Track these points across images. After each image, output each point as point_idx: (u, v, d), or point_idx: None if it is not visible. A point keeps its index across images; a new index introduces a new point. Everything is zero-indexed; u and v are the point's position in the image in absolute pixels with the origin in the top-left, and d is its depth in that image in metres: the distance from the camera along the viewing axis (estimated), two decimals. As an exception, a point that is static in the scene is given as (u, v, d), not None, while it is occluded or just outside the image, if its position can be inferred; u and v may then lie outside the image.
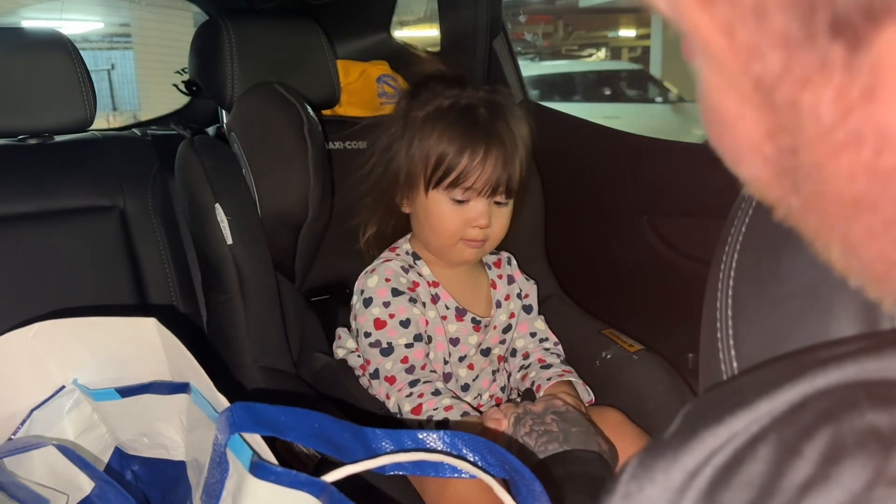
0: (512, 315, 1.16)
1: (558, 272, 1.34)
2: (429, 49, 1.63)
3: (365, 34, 1.68)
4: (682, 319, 1.00)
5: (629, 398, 1.08)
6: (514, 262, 1.21)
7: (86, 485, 0.64)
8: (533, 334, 1.17)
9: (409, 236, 1.13)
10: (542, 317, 1.19)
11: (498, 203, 1.04)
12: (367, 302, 1.04)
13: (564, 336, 1.19)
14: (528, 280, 1.20)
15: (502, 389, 1.15)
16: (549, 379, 1.08)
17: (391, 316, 1.03)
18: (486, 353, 1.13)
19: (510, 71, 1.49)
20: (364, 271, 1.09)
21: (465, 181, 1.00)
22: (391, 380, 1.00)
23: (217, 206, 1.09)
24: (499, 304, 1.15)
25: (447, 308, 1.09)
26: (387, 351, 1.02)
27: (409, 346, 1.02)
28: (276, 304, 1.12)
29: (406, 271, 1.07)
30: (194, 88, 1.55)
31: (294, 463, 0.85)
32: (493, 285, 1.16)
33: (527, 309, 1.18)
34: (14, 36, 1.24)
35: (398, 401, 0.98)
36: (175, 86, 1.66)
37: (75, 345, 0.69)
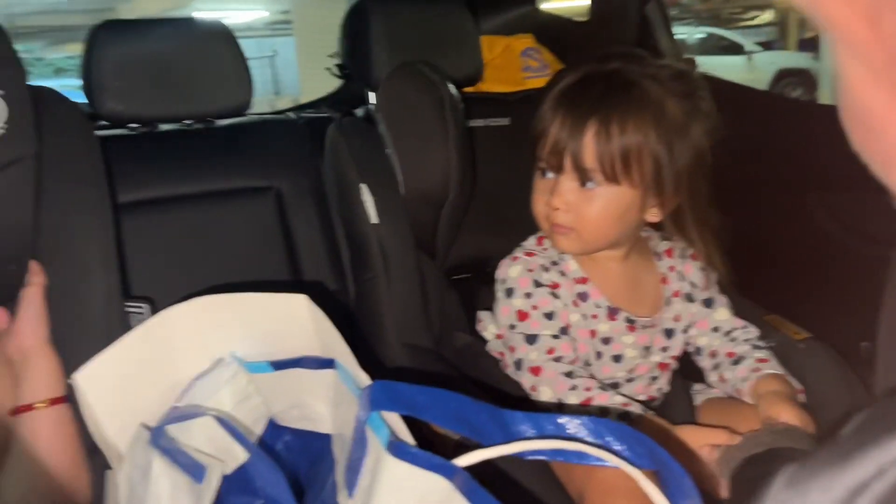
0: (678, 318, 1.05)
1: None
2: (577, 18, 1.58)
3: (510, 7, 1.66)
4: (855, 305, 0.91)
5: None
6: (686, 251, 1.06)
7: (241, 453, 0.68)
8: (715, 329, 1.06)
9: None
10: (726, 304, 1.07)
11: (584, 185, 0.91)
12: (509, 292, 1.00)
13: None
14: (703, 269, 1.05)
15: (658, 392, 1.07)
16: (744, 379, 0.98)
17: (534, 308, 0.97)
18: (646, 355, 1.03)
19: (664, 39, 1.40)
20: (506, 259, 1.03)
21: (539, 145, 0.93)
22: (536, 370, 0.94)
23: (362, 186, 1.12)
24: (668, 302, 1.04)
25: (597, 307, 1.00)
26: (532, 338, 0.96)
27: (555, 337, 0.96)
28: (417, 282, 1.14)
29: (547, 269, 1.00)
30: (346, 71, 1.60)
31: (437, 444, 0.86)
32: (664, 280, 1.05)
33: (707, 303, 1.06)
34: (180, 27, 1.33)
35: (559, 395, 0.92)
36: (328, 69, 1.72)
37: (233, 319, 0.73)
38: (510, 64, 1.51)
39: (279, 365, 0.71)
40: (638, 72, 0.92)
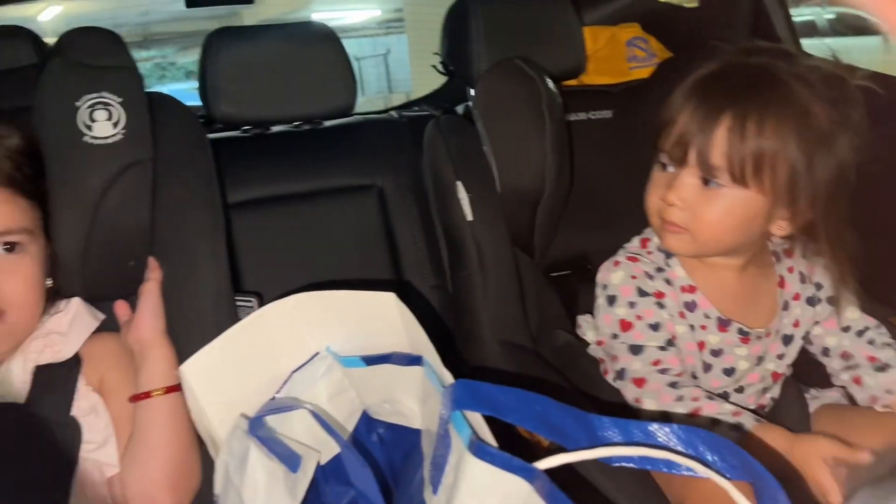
0: (797, 324, 0.97)
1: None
2: (686, 4, 1.51)
3: (616, -3, 1.61)
4: None
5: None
6: (811, 247, 0.95)
7: (336, 445, 0.70)
8: (846, 328, 0.99)
9: None
10: (855, 302, 0.98)
11: (707, 183, 0.84)
12: (611, 300, 0.94)
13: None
14: (828, 267, 0.96)
15: (769, 400, 1.00)
16: (890, 391, 0.92)
17: (638, 318, 0.92)
18: (758, 365, 0.96)
19: (780, 23, 1.32)
20: (607, 262, 0.98)
21: (663, 135, 0.87)
22: (640, 381, 0.89)
23: (458, 183, 1.13)
24: (785, 307, 0.96)
25: (706, 317, 0.93)
26: (637, 349, 0.91)
27: (661, 349, 0.91)
28: (514, 280, 1.13)
29: (651, 276, 0.94)
30: (450, 68, 1.62)
31: (521, 444, 0.85)
32: (782, 283, 0.97)
33: (833, 301, 0.98)
34: (289, 32, 1.39)
35: (664, 406, 0.87)
36: (434, 66, 1.74)
37: (327, 315, 0.75)
38: (615, 55, 1.48)
39: (370, 360, 0.73)
40: (785, 70, 0.84)
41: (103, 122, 0.86)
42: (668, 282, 0.94)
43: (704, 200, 0.85)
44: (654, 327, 0.91)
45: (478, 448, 0.54)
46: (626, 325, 0.93)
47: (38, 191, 0.84)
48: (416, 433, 0.76)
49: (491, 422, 0.58)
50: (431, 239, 1.38)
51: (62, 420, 0.79)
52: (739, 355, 0.94)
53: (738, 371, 0.95)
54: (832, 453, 0.81)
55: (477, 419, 0.58)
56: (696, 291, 0.94)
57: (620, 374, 0.92)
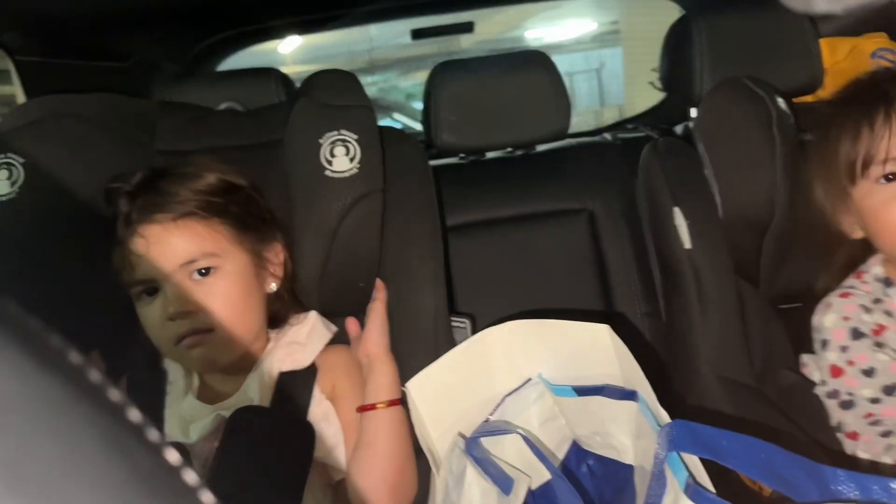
0: None
1: None
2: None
3: (860, 3, 1.47)
4: None
5: None
6: None
7: (546, 472, 0.71)
8: None
9: (880, 255, 0.93)
10: None
11: None
12: (824, 345, 0.91)
13: None
14: None
15: None
16: None
17: (850, 363, 0.87)
18: None
19: None
20: (821, 303, 0.95)
21: (878, 150, 0.83)
22: (853, 435, 0.84)
23: (676, 209, 1.09)
24: None
25: None
26: (847, 404, 0.86)
27: (875, 400, 0.83)
28: (736, 312, 1.07)
29: (869, 310, 0.88)
30: (669, 85, 1.57)
31: (740, 490, 0.80)
32: None
33: None
34: (505, 61, 1.44)
35: (874, 457, 0.81)
36: (652, 83, 1.70)
37: (539, 343, 0.77)
38: (858, 67, 1.34)
39: (582, 391, 0.73)
40: None
41: (342, 157, 0.94)
42: (889, 313, 0.88)
43: None
44: (868, 373, 0.85)
45: (695, 492, 0.52)
46: (836, 371, 0.88)
47: (229, 211, 0.89)
48: (627, 468, 0.74)
49: (706, 463, 0.56)
50: (644, 265, 1.34)
51: (299, 423, 0.86)
52: None
53: None
54: None
55: (694, 461, 0.56)
56: None
57: (837, 428, 0.87)
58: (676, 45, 1.31)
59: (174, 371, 0.91)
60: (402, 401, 0.91)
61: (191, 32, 1.54)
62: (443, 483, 0.69)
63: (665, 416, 0.61)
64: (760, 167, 1.06)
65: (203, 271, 0.85)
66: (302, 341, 0.93)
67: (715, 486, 0.55)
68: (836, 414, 0.87)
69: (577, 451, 0.79)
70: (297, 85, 1.10)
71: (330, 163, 0.93)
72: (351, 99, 0.98)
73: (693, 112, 1.25)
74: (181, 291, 0.84)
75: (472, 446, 0.71)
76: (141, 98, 1.19)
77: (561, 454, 0.79)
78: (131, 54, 1.33)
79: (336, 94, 0.99)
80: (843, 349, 0.88)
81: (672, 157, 1.16)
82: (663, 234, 1.12)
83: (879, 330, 0.87)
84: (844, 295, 0.91)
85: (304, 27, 1.79)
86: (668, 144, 1.20)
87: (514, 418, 0.76)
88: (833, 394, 0.89)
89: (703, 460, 0.55)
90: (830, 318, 0.91)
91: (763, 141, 1.06)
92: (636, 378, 0.67)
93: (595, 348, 0.71)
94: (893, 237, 0.85)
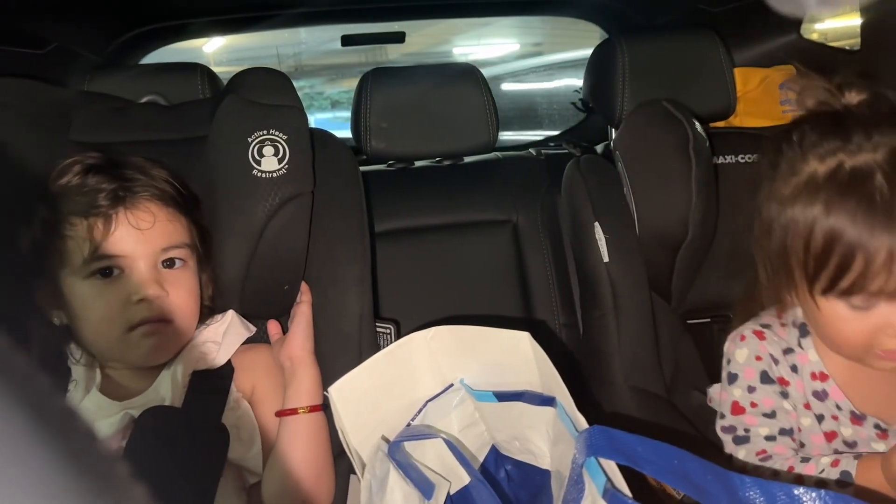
0: None
1: None
2: (846, 47, 1.44)
3: (770, 37, 1.56)
4: None
5: None
6: None
7: (465, 476, 0.72)
8: None
9: None
10: None
11: None
12: (731, 378, 0.88)
13: None
14: None
15: None
16: None
17: (753, 405, 0.85)
18: None
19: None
20: (735, 333, 0.90)
21: (867, 285, 0.71)
22: (742, 469, 0.83)
23: (596, 224, 1.12)
24: None
25: (838, 409, 0.84)
26: (742, 440, 0.85)
27: (770, 438, 0.84)
28: (649, 324, 1.11)
29: (777, 361, 0.85)
30: (590, 106, 1.62)
31: (650, 495, 0.83)
32: None
33: None
34: (436, 71, 1.45)
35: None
36: (573, 104, 1.76)
37: (462, 348, 0.77)
38: (767, 97, 1.42)
39: (503, 396, 0.74)
40: None
41: (270, 157, 0.92)
42: (794, 369, 0.86)
43: None
44: (769, 416, 0.85)
45: (613, 497, 0.54)
46: (737, 409, 0.86)
47: (195, 210, 0.91)
48: (544, 473, 0.76)
49: (621, 468, 0.58)
50: (563, 277, 1.37)
51: (212, 425, 0.84)
52: (877, 449, 0.83)
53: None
54: None
55: (611, 467, 0.57)
56: (827, 380, 0.85)
57: (727, 460, 0.87)
58: (599, 66, 1.35)
59: (75, 369, 0.86)
60: (324, 406, 0.91)
61: (112, 23, 1.48)
62: (366, 486, 0.69)
63: (583, 422, 0.63)
64: (676, 187, 1.11)
65: (168, 262, 0.85)
66: (217, 340, 0.91)
67: (630, 491, 0.56)
68: (728, 448, 0.87)
69: (495, 456, 0.80)
70: (225, 83, 1.08)
71: (258, 162, 0.92)
72: (282, 98, 0.97)
73: (614, 132, 1.30)
74: (154, 276, 0.82)
75: (395, 450, 0.71)
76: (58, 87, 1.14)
77: (480, 459, 0.80)
78: (48, 41, 1.27)
79: (266, 92, 0.97)
80: (750, 389, 0.86)
81: (594, 174, 1.20)
82: (583, 247, 1.16)
83: (783, 384, 0.86)
84: (760, 335, 0.88)
85: (230, 26, 1.74)
86: (590, 162, 1.24)
87: (436, 423, 0.76)
88: (729, 429, 0.88)
89: (619, 466, 0.57)
90: (743, 354, 0.88)
91: (680, 162, 1.11)
92: (555, 384, 0.68)
93: (516, 355, 0.72)
94: (843, 349, 0.80)
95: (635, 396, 1.07)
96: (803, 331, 0.87)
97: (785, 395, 0.85)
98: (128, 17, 1.51)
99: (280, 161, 0.92)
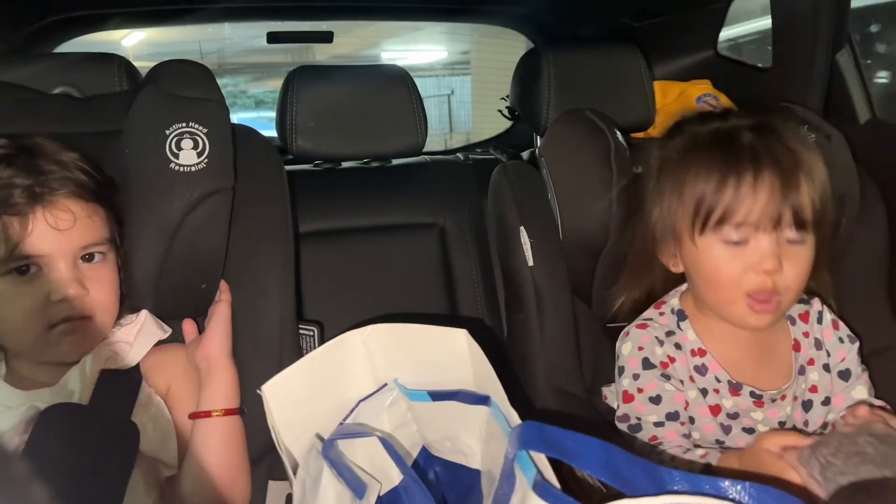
0: (814, 388, 0.95)
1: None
2: (759, 65, 1.52)
3: (688, 53, 1.63)
4: None
5: None
6: (826, 317, 0.99)
7: (395, 477, 0.71)
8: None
9: (681, 288, 1.01)
10: (866, 382, 0.97)
11: (790, 241, 0.86)
12: (620, 371, 0.97)
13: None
14: (843, 341, 0.98)
15: None
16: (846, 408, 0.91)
17: (640, 390, 0.93)
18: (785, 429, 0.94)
19: (856, 87, 1.32)
20: (623, 331, 1.00)
21: (735, 214, 0.85)
22: (636, 449, 0.90)
23: (521, 228, 1.14)
24: (801, 371, 0.96)
25: (717, 381, 0.94)
26: (635, 427, 0.93)
27: (659, 424, 0.91)
28: (571, 328, 1.13)
29: (661, 342, 0.95)
30: (516, 114, 1.65)
31: (578, 490, 0.85)
32: (797, 346, 0.97)
33: (842, 375, 0.97)
34: (366, 72, 1.45)
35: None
36: (500, 111, 1.78)
37: (398, 348, 0.77)
38: (685, 110, 1.47)
39: (437, 395, 0.74)
40: (779, 121, 0.91)
41: (189, 151, 0.90)
42: (678, 346, 0.95)
43: (789, 260, 0.86)
44: (655, 400, 0.92)
45: (542, 488, 0.54)
46: (628, 398, 0.95)
47: (114, 196, 0.88)
48: (473, 473, 0.76)
49: (552, 463, 0.59)
50: (489, 281, 1.39)
51: (121, 423, 0.82)
52: (756, 419, 0.93)
53: (759, 431, 0.93)
54: (776, 443, 0.79)
55: (542, 460, 0.58)
56: (706, 355, 0.95)
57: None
58: (526, 75, 1.38)
59: None
60: (240, 410, 0.89)
61: (23, 10, 1.41)
62: (300, 484, 0.67)
63: (516, 418, 0.64)
64: (598, 195, 1.14)
65: (88, 257, 0.82)
66: (129, 340, 0.89)
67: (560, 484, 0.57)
68: (626, 437, 0.94)
69: (425, 457, 0.80)
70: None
71: (176, 156, 0.89)
72: (202, 91, 0.94)
73: (539, 139, 1.32)
74: (74, 274, 0.80)
75: (329, 448, 0.70)
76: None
77: (410, 461, 0.79)
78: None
79: (186, 84, 0.95)
80: (636, 377, 0.94)
81: (520, 180, 1.22)
82: (509, 251, 1.17)
83: (668, 363, 0.94)
84: (642, 326, 0.98)
85: (151, 18, 1.69)
86: (516, 168, 1.26)
87: (368, 423, 0.76)
88: (624, 418, 0.94)
89: (550, 460, 0.58)
90: (627, 347, 0.97)
91: (602, 170, 1.14)
92: (490, 382, 0.68)
93: (452, 353, 0.72)
94: (720, 294, 0.90)
95: (556, 398, 1.09)
96: (681, 315, 0.98)
97: (667, 377, 0.93)
98: (41, 3, 1.43)
99: (199, 155, 0.90)
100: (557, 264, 1.15)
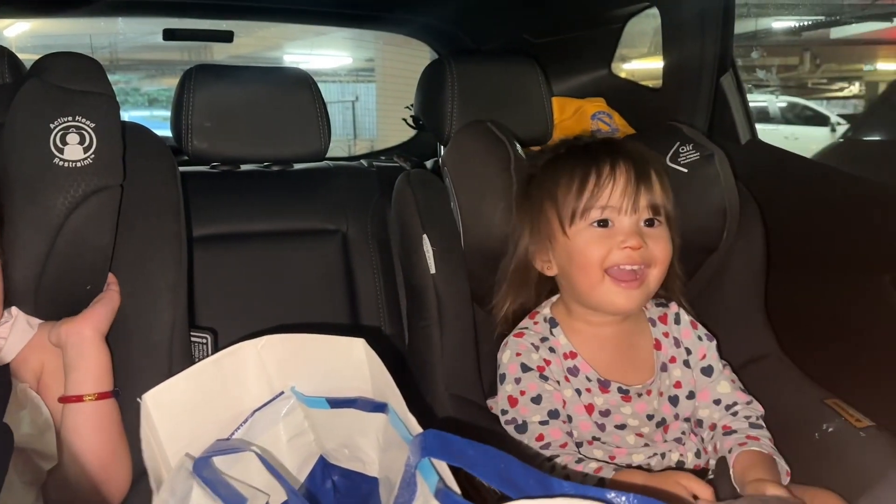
0: (678, 384, 1.04)
1: (778, 330, 1.23)
2: (650, 84, 1.60)
3: (585, 71, 1.69)
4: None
5: (850, 480, 0.95)
6: (684, 317, 1.09)
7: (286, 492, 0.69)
8: (717, 401, 1.04)
9: (552, 300, 1.10)
10: (728, 377, 1.06)
11: (648, 223, 0.99)
12: (502, 378, 1.03)
13: (779, 403, 1.08)
14: (702, 339, 1.08)
15: (697, 455, 1.03)
16: (730, 450, 0.97)
17: (522, 393, 1.00)
18: (660, 424, 1.02)
19: (738, 108, 1.41)
20: (503, 341, 1.07)
21: (599, 199, 0.98)
22: (529, 459, 0.94)
23: (424, 236, 1.15)
24: (664, 368, 1.05)
25: (588, 380, 1.02)
26: (521, 428, 0.98)
27: (543, 423, 0.97)
28: (471, 335, 1.15)
29: (537, 348, 1.03)
30: (420, 123, 1.66)
31: (475, 497, 0.86)
32: (658, 345, 1.07)
33: (706, 371, 1.05)
34: (267, 74, 1.41)
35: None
36: (405, 120, 1.79)
37: (295, 357, 0.75)
38: (580, 126, 1.54)
39: (335, 403, 0.73)
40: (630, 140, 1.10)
41: (75, 146, 0.86)
42: (552, 350, 1.04)
43: (651, 239, 0.99)
44: (536, 400, 0.98)
45: (444, 495, 0.55)
46: (512, 401, 1.01)
47: None
48: (370, 481, 0.76)
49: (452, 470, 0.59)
50: (391, 287, 1.39)
51: None
52: (626, 414, 1.01)
53: (630, 427, 1.01)
54: (688, 483, 0.84)
55: (443, 468, 0.58)
56: (577, 357, 1.04)
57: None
58: (430, 85, 1.39)
59: None
60: (114, 393, 0.86)
61: None
62: (161, 504, 0.63)
63: (415, 426, 0.64)
64: (498, 204, 1.16)
65: None
66: (5, 336, 0.85)
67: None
68: (514, 439, 0.98)
69: (323, 466, 0.79)
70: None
71: (60, 150, 0.85)
72: (91, 85, 0.90)
73: (443, 149, 1.34)
74: None
75: (202, 466, 0.67)
76: None
77: (306, 470, 0.78)
78: None
79: (74, 77, 0.90)
80: (517, 381, 1.01)
81: (423, 188, 1.23)
82: (412, 258, 1.18)
83: (544, 366, 1.02)
84: (519, 335, 1.05)
85: (37, 8, 1.58)
86: (420, 176, 1.26)
87: (262, 433, 0.73)
88: (511, 421, 1.00)
89: (451, 468, 0.58)
90: (507, 355, 1.04)
91: (501, 180, 1.16)
92: (389, 390, 0.68)
93: (349, 362, 0.71)
94: (590, 275, 0.99)
95: (455, 404, 1.10)
96: (553, 322, 1.07)
97: (545, 378, 1.01)
98: None
99: (85, 150, 0.85)
100: (459, 272, 1.16)
